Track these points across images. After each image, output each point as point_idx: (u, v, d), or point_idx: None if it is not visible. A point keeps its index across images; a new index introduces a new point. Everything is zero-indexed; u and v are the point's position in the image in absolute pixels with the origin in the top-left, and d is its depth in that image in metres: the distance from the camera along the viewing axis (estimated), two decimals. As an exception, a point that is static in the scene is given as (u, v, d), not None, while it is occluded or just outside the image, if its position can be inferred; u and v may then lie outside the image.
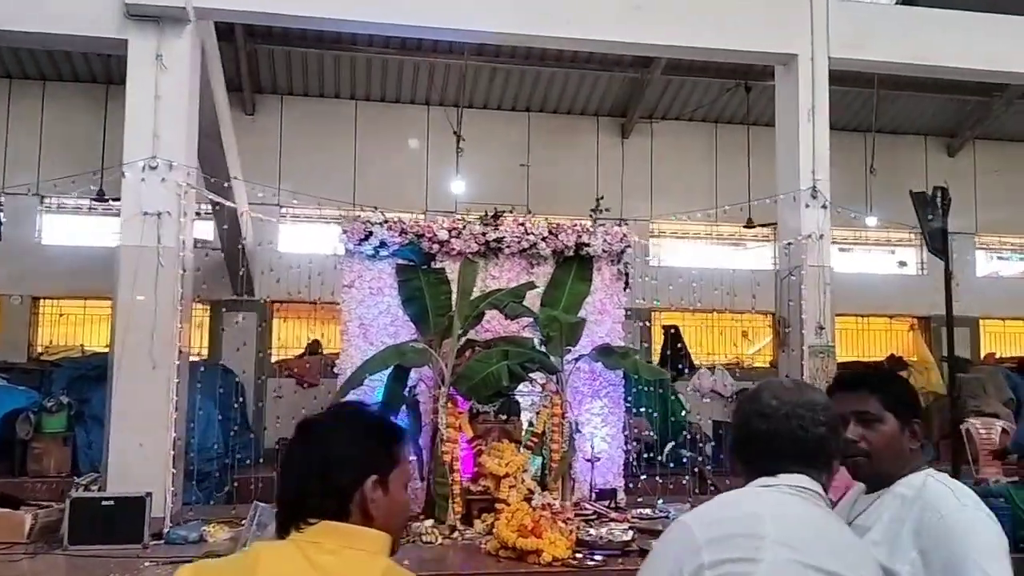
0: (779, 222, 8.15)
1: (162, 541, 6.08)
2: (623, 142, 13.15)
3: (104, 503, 6.09)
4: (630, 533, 6.13)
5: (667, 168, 12.85)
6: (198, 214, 11.73)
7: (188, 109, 6.88)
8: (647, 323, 12.64)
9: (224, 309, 11.94)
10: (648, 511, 7.46)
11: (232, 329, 11.59)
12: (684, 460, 10.94)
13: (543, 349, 7.23)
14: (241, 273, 11.04)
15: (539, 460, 7.18)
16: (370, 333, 7.60)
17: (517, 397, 7.41)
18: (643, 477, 9.06)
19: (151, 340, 6.54)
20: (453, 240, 7.70)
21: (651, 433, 10.85)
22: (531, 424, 7.35)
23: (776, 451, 1.70)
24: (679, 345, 13.03)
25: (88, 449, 8.56)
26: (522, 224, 7.83)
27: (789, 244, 7.89)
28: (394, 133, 12.27)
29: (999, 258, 14.93)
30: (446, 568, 5.62)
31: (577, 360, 7.42)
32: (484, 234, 7.75)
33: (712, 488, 9.48)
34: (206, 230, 11.50)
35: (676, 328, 13.18)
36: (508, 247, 7.81)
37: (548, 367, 6.97)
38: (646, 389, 11.17)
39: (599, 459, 7.54)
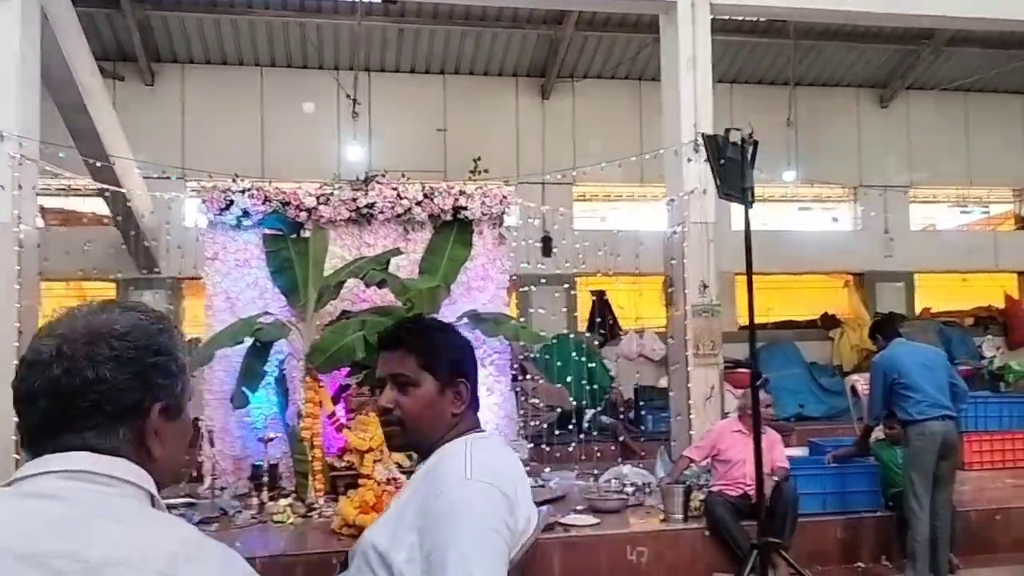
0: (666, 178, 7.88)
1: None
2: (544, 103, 12.80)
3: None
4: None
5: (590, 129, 12.51)
6: (72, 190, 11.49)
7: (18, 79, 6.52)
8: (571, 289, 12.37)
9: (131, 287, 11.62)
10: (530, 481, 7.27)
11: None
12: (606, 428, 10.82)
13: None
14: (147, 247, 10.82)
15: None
16: (237, 307, 7.34)
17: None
18: (546, 447, 8.88)
19: (-11, 319, 6.23)
20: (321, 207, 7.42)
21: (572, 400, 10.68)
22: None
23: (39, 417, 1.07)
24: (606, 311, 12.86)
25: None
26: (394, 188, 7.54)
27: (671, 201, 7.62)
28: (301, 100, 11.89)
29: (962, 211, 14.71)
30: (276, 548, 5.40)
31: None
32: (355, 200, 7.46)
33: (640, 454, 9.36)
34: (99, 206, 11.19)
35: (603, 293, 12.96)
36: (381, 213, 7.53)
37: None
38: (573, 357, 11.04)
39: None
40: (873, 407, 5.75)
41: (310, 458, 6.54)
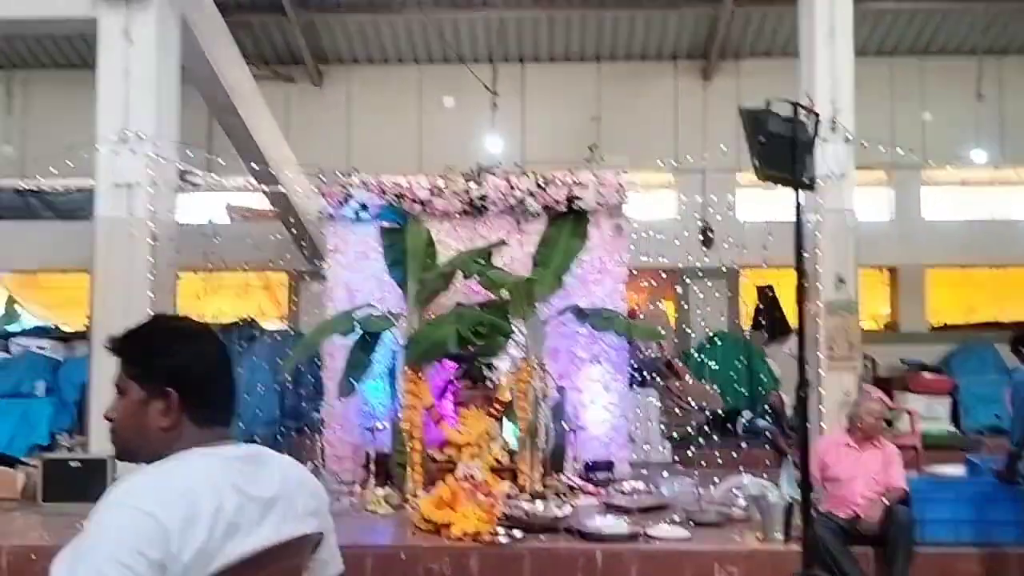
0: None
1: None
2: (704, 85, 12.17)
3: (71, 464, 6.46)
4: (567, 509, 5.70)
5: (755, 111, 11.73)
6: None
7: (158, 83, 7.05)
8: (734, 283, 11.68)
9: (306, 278, 12.29)
10: (640, 485, 6.95)
11: (309, 296, 11.87)
12: (762, 432, 10.12)
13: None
14: (313, 240, 11.43)
15: (516, 429, 6.83)
16: (356, 299, 7.55)
17: (495, 362, 7.10)
18: (691, 450, 8.41)
19: (125, 310, 6.79)
20: (435, 199, 7.46)
21: (723, 402, 10.12)
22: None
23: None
24: (774, 306, 12.03)
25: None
26: (507, 179, 7.43)
27: (804, 186, 6.93)
28: (455, 95, 12.07)
29: None
30: (352, 538, 5.46)
31: (545, 323, 6.97)
32: (467, 192, 7.43)
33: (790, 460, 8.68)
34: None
35: (770, 287, 12.12)
36: (494, 204, 7.46)
37: (501, 330, 6.57)
38: (732, 356, 10.46)
39: (582, 428, 7.09)
40: (1016, 430, 4.90)
41: (409, 449, 6.59)
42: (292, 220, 10.93)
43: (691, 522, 5.77)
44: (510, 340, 6.87)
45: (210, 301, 11.63)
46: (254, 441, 6.16)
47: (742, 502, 6.28)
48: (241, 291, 12.58)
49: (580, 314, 6.98)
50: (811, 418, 6.83)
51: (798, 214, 3.43)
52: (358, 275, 7.63)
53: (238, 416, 9.21)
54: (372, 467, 6.91)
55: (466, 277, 6.77)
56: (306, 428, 7.95)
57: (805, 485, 3.45)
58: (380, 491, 6.45)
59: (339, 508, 6.21)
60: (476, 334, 6.44)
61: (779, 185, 3.52)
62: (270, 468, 1.56)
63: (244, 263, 10.62)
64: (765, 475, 6.98)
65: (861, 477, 5.22)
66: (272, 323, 12.33)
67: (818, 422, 6.88)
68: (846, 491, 5.22)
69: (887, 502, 5.09)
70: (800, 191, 3.53)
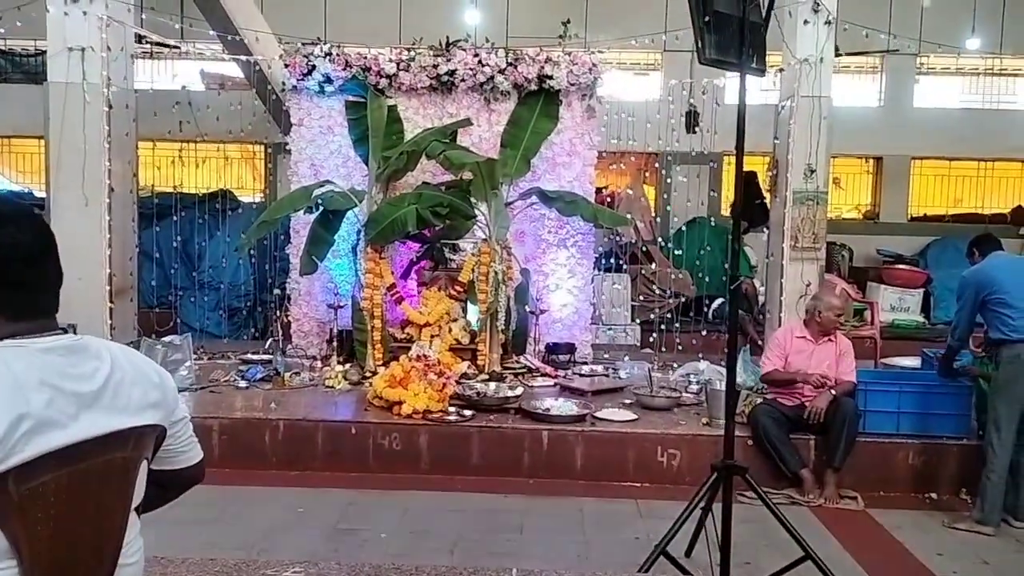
0: (784, 43, 6.88)
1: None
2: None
3: (32, 333, 6.45)
4: (519, 390, 5.75)
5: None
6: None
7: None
8: (714, 165, 11.47)
9: (282, 151, 12.07)
10: (599, 368, 7.01)
11: (282, 170, 11.69)
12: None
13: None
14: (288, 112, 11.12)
15: (478, 311, 6.82)
16: (321, 174, 7.38)
17: (459, 244, 7.03)
18: (654, 335, 8.46)
19: (82, 177, 6.66)
20: (401, 74, 7.19)
21: (693, 287, 10.12)
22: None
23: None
24: (754, 193, 11.87)
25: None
26: (476, 55, 7.13)
27: (780, 71, 6.69)
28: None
29: None
30: (306, 411, 5.53)
31: (510, 205, 6.85)
32: (436, 67, 7.15)
33: (757, 345, 8.73)
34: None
35: (753, 174, 11.93)
36: (463, 81, 7.19)
37: (461, 211, 6.46)
38: (707, 245, 10.39)
39: (544, 311, 7.08)
40: (959, 326, 4.88)
41: (370, 328, 6.59)
42: (268, 91, 10.61)
43: (641, 407, 5.82)
44: (474, 223, 6.76)
45: (191, 172, 11.50)
46: (235, 312, 6.18)
47: (694, 387, 6.35)
48: (223, 163, 12.41)
49: (545, 198, 6.84)
50: (771, 308, 6.87)
51: (741, 104, 3.26)
52: (323, 150, 7.43)
53: (214, 286, 9.28)
54: (335, 344, 6.96)
55: (428, 157, 6.58)
56: (274, 303, 7.94)
57: (730, 373, 3.41)
58: (340, 367, 6.49)
59: (298, 382, 6.29)
60: (436, 215, 6.32)
61: (725, 70, 3.33)
62: (95, 359, 1.49)
63: (224, 133, 10.40)
64: (723, 362, 7.05)
65: (813, 370, 5.26)
66: (250, 196, 12.23)
67: (778, 313, 6.88)
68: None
69: (834, 392, 5.14)
70: (758, 77, 3.35)
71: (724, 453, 3.49)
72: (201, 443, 1.75)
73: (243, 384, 6.26)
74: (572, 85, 7.16)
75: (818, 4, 6.43)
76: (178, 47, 10.51)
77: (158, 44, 8.20)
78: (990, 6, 10.91)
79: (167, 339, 6.32)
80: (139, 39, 7.51)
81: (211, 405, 5.70)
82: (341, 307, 6.89)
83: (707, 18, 3.19)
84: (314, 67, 7.19)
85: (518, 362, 6.83)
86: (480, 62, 7.11)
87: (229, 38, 8.77)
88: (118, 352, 1.55)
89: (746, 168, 11.10)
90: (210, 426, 5.28)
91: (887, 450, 5.28)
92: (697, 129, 10.86)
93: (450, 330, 6.71)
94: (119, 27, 6.82)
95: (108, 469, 1.46)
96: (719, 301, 10.25)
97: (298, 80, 7.28)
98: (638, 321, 9.07)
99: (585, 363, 7.28)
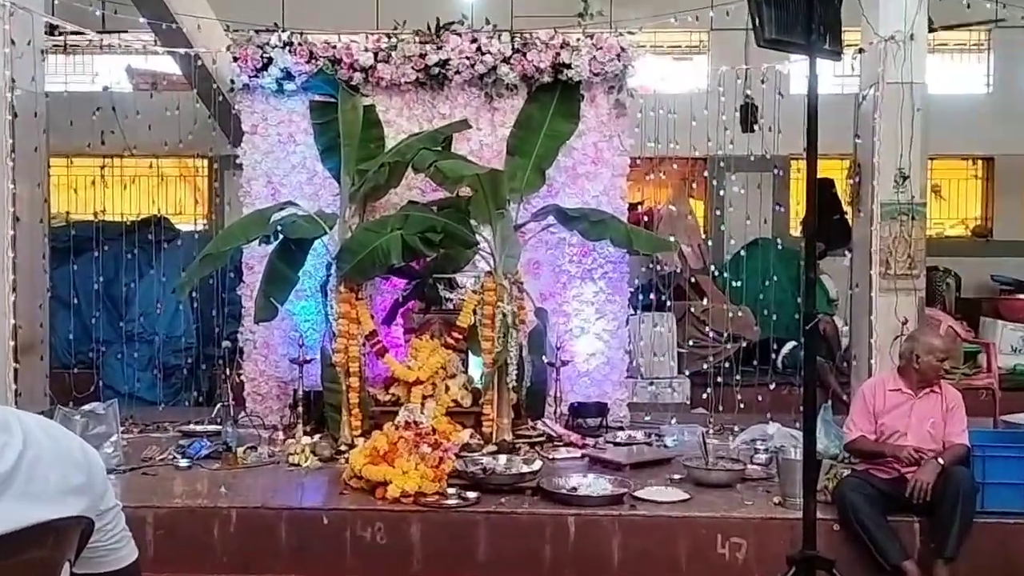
0: (864, 18, 6.97)
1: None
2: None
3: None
4: (536, 465, 5.75)
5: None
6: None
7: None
8: (779, 172, 11.52)
9: (232, 167, 12.19)
10: (638, 434, 7.04)
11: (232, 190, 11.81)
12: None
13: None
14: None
15: (482, 364, 6.86)
16: (281, 194, 7.49)
17: (457, 279, 7.10)
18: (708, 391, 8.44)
19: (-27, 204, 6.76)
20: (380, 66, 7.31)
21: (756, 328, 10.13)
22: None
23: None
24: (833, 207, 11.92)
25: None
26: (474, 40, 7.25)
27: (860, 52, 6.77)
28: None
29: None
30: (265, 496, 5.56)
31: (520, 228, 6.92)
32: (423, 56, 7.26)
33: (841, 402, 8.66)
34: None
35: (829, 183, 11.99)
36: (458, 73, 7.30)
37: (460, 238, 6.51)
38: (773, 273, 10.37)
39: (567, 363, 7.11)
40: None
41: (345, 388, 6.62)
42: (212, 91, 10.77)
43: (695, 482, 5.81)
44: (476, 251, 6.82)
45: (117, 195, 11.62)
46: (172, 371, 6.24)
47: (762, 457, 6.33)
48: (157, 182, 12.55)
49: (565, 217, 6.89)
50: (857, 353, 6.87)
51: (812, 94, 3.30)
52: (282, 164, 7.56)
53: (147, 339, 9.32)
54: (300, 410, 6.98)
55: (416, 170, 6.64)
56: (223, 359, 7.98)
57: (808, 439, 3.41)
58: (307, 439, 6.52)
59: (254, 459, 6.31)
60: (427, 243, 6.37)
61: (789, 53, 3.36)
62: (3, 433, 1.50)
63: (158, 145, 10.52)
64: (798, 424, 7.03)
65: (913, 431, 5.25)
66: (191, 223, 12.36)
67: (867, 359, 6.88)
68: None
69: (942, 462, 5.11)
70: (831, 61, 3.38)
71: (804, 542, 3.47)
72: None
73: (184, 463, 6.27)
74: (596, 75, 7.27)
75: (904, -32, 6.52)
76: (100, 39, 10.70)
77: (74, 34, 8.35)
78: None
79: (87, 407, 6.36)
80: (51, 30, 7.64)
81: (144, 491, 5.71)
82: (308, 362, 6.93)
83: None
84: (270, 60, 7.33)
85: (534, 428, 6.86)
86: (479, 49, 7.23)
87: (163, 27, 8.91)
88: (32, 424, 1.56)
89: (820, 175, 11.25)
90: (143, 517, 5.27)
91: (1012, 533, 5.24)
92: (756, 127, 10.94)
93: (447, 389, 6.75)
94: (25, 15, 6.98)
95: (23, 574, 1.46)
96: (790, 345, 10.25)
97: (250, 77, 7.42)
98: (687, 373, 9.07)
99: (620, 428, 7.31)
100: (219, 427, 6.85)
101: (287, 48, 7.30)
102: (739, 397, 7.79)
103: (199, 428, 7.15)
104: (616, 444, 6.74)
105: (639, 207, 11.09)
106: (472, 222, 6.69)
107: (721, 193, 10.53)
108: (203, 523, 5.36)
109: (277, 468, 6.23)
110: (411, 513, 5.33)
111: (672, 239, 8.29)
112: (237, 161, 7.86)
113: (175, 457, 6.38)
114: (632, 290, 8.00)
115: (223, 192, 12.10)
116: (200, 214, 12.79)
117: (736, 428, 7.21)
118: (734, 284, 9.68)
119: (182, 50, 8.97)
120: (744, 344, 9.66)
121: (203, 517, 5.38)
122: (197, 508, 5.44)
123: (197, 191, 13.18)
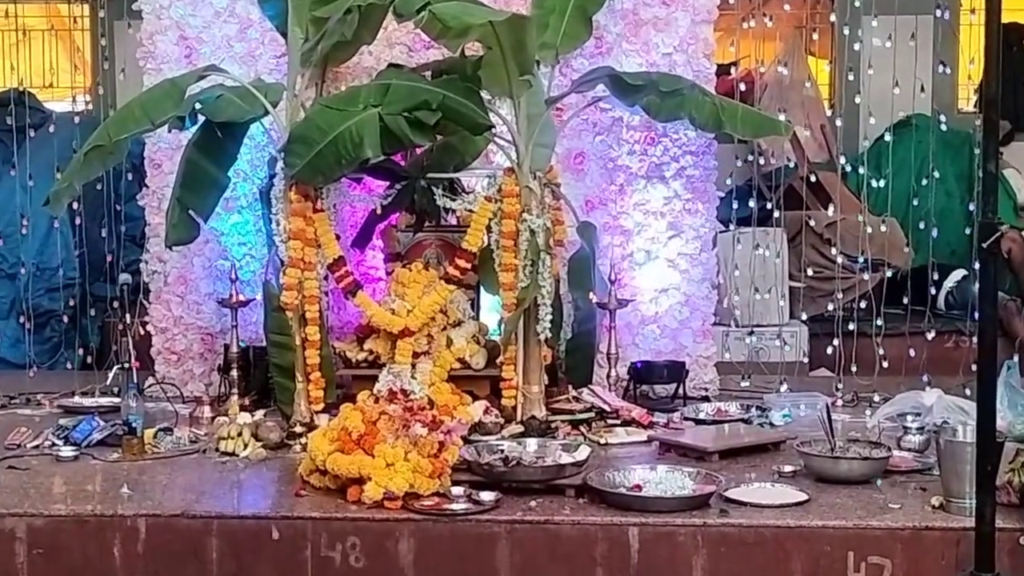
0: None
1: None
2: None
3: None
4: (583, 453, 5.83)
5: None
6: None
7: None
8: (944, 13, 11.46)
9: (126, 18, 12.18)
10: (731, 408, 7.11)
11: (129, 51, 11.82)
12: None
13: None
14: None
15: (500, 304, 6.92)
16: (200, 56, 7.58)
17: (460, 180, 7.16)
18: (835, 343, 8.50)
19: None
20: None
21: (907, 249, 10.18)
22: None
23: None
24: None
25: None
26: None
27: None
28: None
29: None
30: (186, 500, 5.66)
31: (555, 101, 6.93)
32: None
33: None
34: None
35: (1020, 28, 12.05)
36: None
37: (466, 119, 6.52)
38: (933, 168, 10.35)
39: (623, 304, 7.16)
40: None
41: (299, 342, 6.70)
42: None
43: (816, 476, 5.88)
44: (490, 139, 6.86)
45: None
46: (47, 320, 6.43)
47: (915, 439, 6.39)
48: (16, 41, 12.60)
49: (622, 87, 6.88)
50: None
51: None
52: (202, 10, 7.61)
53: (7, 273, 9.45)
54: (234, 374, 7.08)
55: (399, 17, 6.63)
56: (119, 301, 8.06)
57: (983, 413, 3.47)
58: (246, 417, 6.60)
59: (168, 446, 6.43)
60: (417, 126, 6.39)
61: None
62: None
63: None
64: (969, 391, 7.10)
65: None
66: (68, 101, 12.41)
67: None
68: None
69: None
70: None
71: (976, 559, 3.55)
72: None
73: (68, 452, 6.36)
74: None
75: None
76: None
77: None
78: None
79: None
80: None
81: (11, 492, 5.80)
82: (244, 304, 7.02)
83: None
84: None
85: (578, 400, 6.92)
86: None
87: None
88: None
89: (1006, 18, 11.29)
90: (10, 530, 5.38)
91: None
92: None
93: (449, 343, 6.82)
94: None
95: None
96: (958, 275, 10.34)
97: None
98: (804, 318, 9.13)
99: (705, 398, 7.40)
100: (117, 400, 6.94)
101: None
102: (881, 352, 7.81)
103: (87, 402, 7.25)
104: (699, 422, 6.80)
105: (733, 70, 11.06)
106: (484, 95, 6.70)
107: (856, 47, 10.47)
108: (97, 539, 5.43)
109: (203, 459, 6.32)
110: (399, 523, 5.39)
111: (782, 117, 8.24)
112: (134, 6, 7.88)
113: (54, 444, 6.47)
114: (722, 195, 8.04)
115: (113, 54, 12.16)
116: (81, 86, 12.78)
117: (877, 398, 7.26)
118: (874, 184, 9.70)
119: None
120: (890, 274, 9.71)
121: (97, 530, 5.44)
122: (89, 517, 5.48)
123: (76, 52, 13.19)
